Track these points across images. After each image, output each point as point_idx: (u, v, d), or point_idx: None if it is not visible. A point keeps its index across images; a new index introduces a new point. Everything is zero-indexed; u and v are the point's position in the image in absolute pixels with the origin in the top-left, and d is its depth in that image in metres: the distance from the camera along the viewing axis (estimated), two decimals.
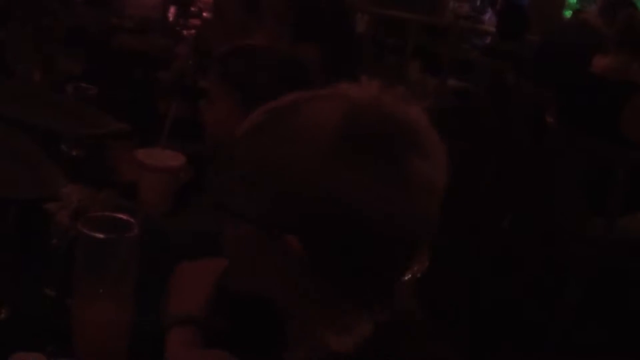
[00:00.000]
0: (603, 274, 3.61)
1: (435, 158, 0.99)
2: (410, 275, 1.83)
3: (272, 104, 1.03)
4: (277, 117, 1.01)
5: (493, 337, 3.39)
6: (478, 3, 10.54)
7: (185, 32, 3.53)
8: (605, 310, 3.61)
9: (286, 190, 0.96)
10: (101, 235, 1.25)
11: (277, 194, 0.97)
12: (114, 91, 2.70)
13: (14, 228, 1.63)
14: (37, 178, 1.59)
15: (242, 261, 1.07)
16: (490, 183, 4.79)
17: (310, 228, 0.96)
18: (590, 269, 3.56)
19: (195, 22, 3.74)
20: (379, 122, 0.96)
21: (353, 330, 0.99)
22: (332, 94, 1.01)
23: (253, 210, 1.00)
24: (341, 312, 1.00)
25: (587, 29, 4.46)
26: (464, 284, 3.80)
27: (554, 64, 4.36)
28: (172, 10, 4.24)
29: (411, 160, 0.96)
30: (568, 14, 6.75)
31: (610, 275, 3.63)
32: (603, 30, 4.45)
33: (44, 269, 1.55)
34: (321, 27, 3.08)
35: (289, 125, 0.99)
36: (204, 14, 4.30)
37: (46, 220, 1.69)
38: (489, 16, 7.92)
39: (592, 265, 3.55)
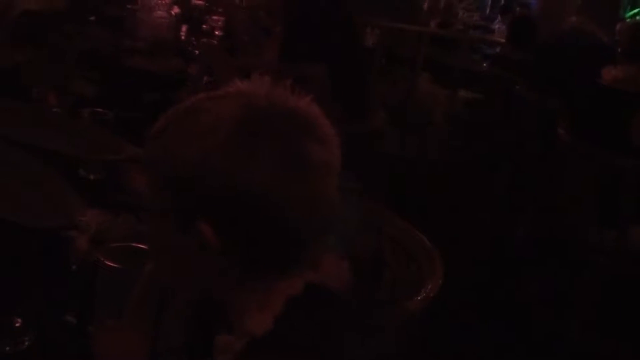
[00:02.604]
0: (615, 283, 3.63)
1: (328, 142, 1.08)
2: (424, 295, 1.87)
3: (177, 106, 1.11)
4: (181, 116, 1.09)
5: (505, 343, 3.41)
6: (487, 12, 10.59)
7: (197, 51, 3.57)
8: (617, 319, 3.62)
9: (195, 182, 1.04)
10: (120, 266, 1.29)
11: (186, 187, 1.04)
12: (127, 114, 2.74)
13: (36, 255, 1.67)
14: (57, 207, 1.62)
15: (164, 257, 1.16)
16: (502, 192, 4.82)
17: (220, 214, 1.04)
18: (602, 278, 3.58)
19: (207, 41, 3.78)
20: (273, 112, 1.06)
21: (269, 309, 1.07)
22: (229, 92, 1.10)
23: (167, 205, 1.08)
24: (256, 293, 1.08)
25: (585, 36, 4.47)
26: (476, 290, 3.82)
27: (557, 74, 4.38)
28: (184, 29, 4.29)
29: (305, 144, 1.05)
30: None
31: (622, 284, 3.64)
32: (600, 37, 4.48)
33: (65, 296, 1.59)
34: (328, 46, 3.09)
35: (192, 122, 1.07)
36: (216, 32, 4.35)
37: (67, 246, 1.73)
38: (498, 25, 7.96)
39: (604, 274, 3.57)
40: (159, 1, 4.11)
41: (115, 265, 1.29)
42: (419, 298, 1.80)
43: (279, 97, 1.08)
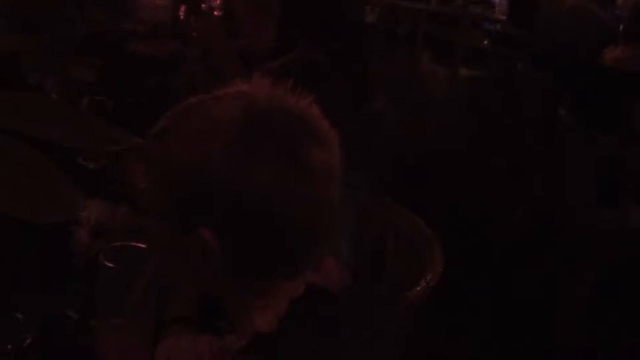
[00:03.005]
0: (615, 264, 3.63)
1: (329, 145, 1.07)
2: (424, 284, 1.88)
3: (178, 107, 1.10)
4: (182, 118, 1.09)
5: (508, 329, 3.41)
6: None
7: (195, 34, 3.53)
8: (618, 302, 3.63)
9: (195, 185, 1.03)
10: (120, 266, 1.29)
11: (187, 190, 1.04)
12: (126, 100, 2.74)
13: (36, 249, 1.68)
14: (56, 200, 1.62)
15: (163, 257, 1.17)
16: (502, 173, 4.80)
17: (221, 218, 1.03)
18: (601, 258, 3.58)
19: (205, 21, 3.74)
20: (274, 114, 1.05)
21: (272, 309, 1.08)
22: (229, 93, 1.09)
23: (167, 207, 1.07)
24: (259, 293, 1.08)
25: (586, 15, 4.44)
26: (476, 275, 3.82)
27: (560, 54, 4.35)
28: (182, 9, 4.25)
29: (306, 146, 1.04)
30: None
31: (621, 264, 3.65)
32: (602, 16, 4.44)
33: (66, 291, 1.59)
34: (327, 28, 3.05)
35: (193, 124, 1.06)
36: (215, 13, 4.32)
37: (67, 239, 1.74)
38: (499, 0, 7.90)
39: (603, 254, 3.57)
40: None
41: (115, 266, 1.29)
42: (419, 288, 1.80)
43: (279, 99, 1.07)
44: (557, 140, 3.88)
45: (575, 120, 3.69)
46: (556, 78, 4.18)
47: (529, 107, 4.43)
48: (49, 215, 1.64)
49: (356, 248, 2.08)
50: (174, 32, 3.50)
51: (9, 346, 1.42)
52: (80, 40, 3.13)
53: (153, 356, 1.32)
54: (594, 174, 3.60)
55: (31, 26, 3.28)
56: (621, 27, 3.97)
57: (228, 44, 3.40)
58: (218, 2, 4.39)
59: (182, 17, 4.16)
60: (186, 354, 1.24)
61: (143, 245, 1.35)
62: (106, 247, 1.35)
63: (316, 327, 1.10)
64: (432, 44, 6.04)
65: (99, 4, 3.56)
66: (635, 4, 3.92)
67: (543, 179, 4.14)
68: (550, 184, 4.03)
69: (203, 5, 4.42)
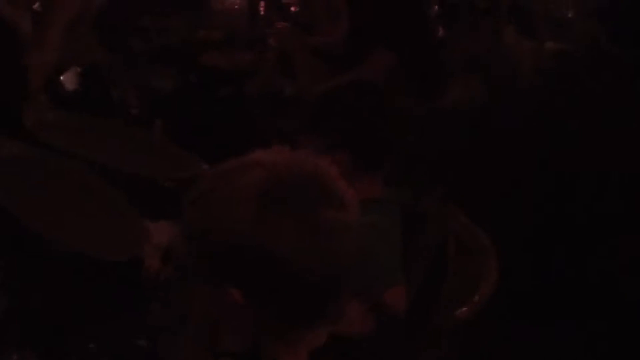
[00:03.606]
0: None
1: (345, 203, 1.16)
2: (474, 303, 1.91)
3: (211, 172, 1.22)
4: (212, 185, 1.18)
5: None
6: None
7: (270, 40, 3.57)
8: None
9: (224, 247, 1.13)
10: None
11: (217, 250, 1.15)
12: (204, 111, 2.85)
13: (107, 277, 1.80)
14: (123, 239, 1.74)
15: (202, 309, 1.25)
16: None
17: (246, 277, 1.14)
18: None
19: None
20: (293, 182, 1.14)
21: (294, 358, 1.18)
22: (252, 161, 1.18)
23: (200, 264, 1.18)
24: (282, 343, 1.18)
25: None
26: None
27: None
28: (262, 4, 4.32)
29: (324, 208, 1.13)
30: None
31: None
32: None
33: (137, 319, 1.72)
34: (395, 31, 3.06)
35: (221, 192, 1.16)
36: (292, 8, 4.38)
37: (138, 268, 1.86)
38: None
39: None
40: None
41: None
42: (467, 308, 1.85)
43: (297, 164, 1.17)
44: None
45: None
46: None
47: (611, 84, 4.32)
48: (114, 254, 1.78)
49: (413, 256, 2.14)
50: (250, 37, 3.58)
51: None
52: (156, 51, 3.26)
53: None
54: None
55: (110, 40, 3.43)
56: None
57: (304, 46, 3.44)
58: None
59: (262, 11, 4.24)
60: None
61: None
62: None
63: None
64: (516, 17, 5.91)
65: (175, 13, 3.69)
66: None
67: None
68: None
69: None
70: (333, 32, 3.90)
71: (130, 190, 1.89)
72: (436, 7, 5.24)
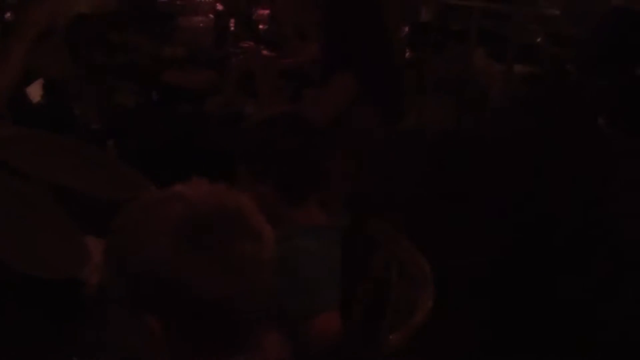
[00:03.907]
0: None
1: (260, 237, 1.22)
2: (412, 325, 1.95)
3: (133, 204, 1.26)
4: (134, 216, 1.24)
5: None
6: None
7: (234, 59, 3.61)
8: None
9: (142, 278, 1.19)
10: None
11: (136, 281, 1.20)
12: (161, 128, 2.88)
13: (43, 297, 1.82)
14: (65, 257, 1.77)
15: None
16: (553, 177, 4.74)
17: (163, 307, 1.18)
18: None
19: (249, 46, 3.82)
20: (208, 217, 1.19)
21: None
22: (172, 195, 1.23)
23: (121, 293, 1.22)
24: None
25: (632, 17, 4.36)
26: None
27: (608, 55, 4.30)
28: (232, 21, 4.34)
29: (238, 243, 1.18)
30: None
31: None
32: None
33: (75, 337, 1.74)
34: (359, 54, 3.07)
35: (141, 224, 1.21)
36: (260, 27, 4.42)
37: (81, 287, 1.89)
38: None
39: None
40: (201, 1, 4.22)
41: None
42: (402, 334, 1.89)
43: (216, 198, 1.22)
44: (597, 149, 3.85)
45: (614, 130, 3.66)
46: (604, 82, 4.15)
47: (571, 110, 4.39)
48: (55, 272, 1.80)
49: (356, 281, 2.18)
50: (213, 56, 3.61)
51: None
52: (120, 66, 3.29)
53: None
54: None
55: (75, 54, 3.45)
56: None
57: (270, 67, 3.45)
58: (266, 15, 4.51)
59: (232, 28, 4.27)
60: None
61: None
62: None
63: None
64: (486, 41, 6.00)
65: (142, 29, 3.72)
66: None
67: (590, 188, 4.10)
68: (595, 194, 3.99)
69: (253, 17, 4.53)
70: (301, 53, 3.93)
71: (72, 207, 1.92)
72: (406, 28, 5.32)
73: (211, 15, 3.96)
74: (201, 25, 3.71)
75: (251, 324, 1.22)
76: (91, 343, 1.55)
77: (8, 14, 3.47)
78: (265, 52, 3.93)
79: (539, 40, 5.87)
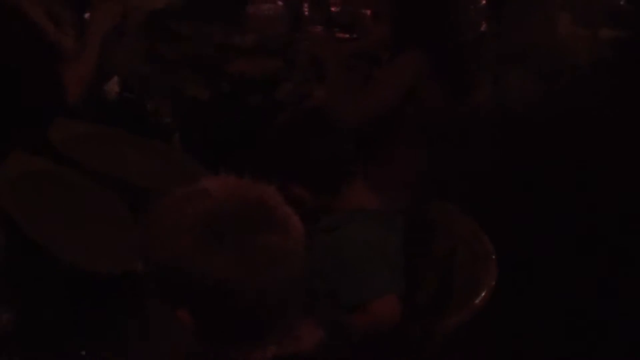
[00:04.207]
0: None
1: (288, 230, 1.22)
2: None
3: (163, 200, 1.27)
4: (161, 214, 1.25)
5: None
6: None
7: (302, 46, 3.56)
8: None
9: (171, 274, 1.21)
10: None
11: (165, 277, 1.23)
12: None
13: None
14: (127, 251, 1.82)
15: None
16: None
17: (193, 301, 1.21)
18: None
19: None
20: (231, 211, 1.20)
21: None
22: (196, 192, 1.24)
23: (154, 287, 1.26)
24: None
25: None
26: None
27: None
28: (306, 6, 4.32)
29: (264, 234, 1.19)
30: None
31: None
32: None
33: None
34: (424, 30, 3.02)
35: (168, 221, 1.23)
36: (332, 9, 4.39)
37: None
38: None
39: None
40: None
41: None
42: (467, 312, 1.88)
43: (240, 192, 1.23)
44: None
45: None
46: None
47: None
48: (116, 266, 1.86)
49: (423, 264, 2.17)
50: (282, 43, 3.59)
51: None
52: (190, 59, 3.34)
53: None
54: None
55: (149, 49, 3.52)
56: None
57: (339, 50, 3.43)
58: None
59: (306, 12, 4.25)
60: None
61: None
62: None
63: None
64: (571, 4, 5.80)
65: (212, 19, 3.75)
66: None
67: None
68: None
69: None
70: (374, 34, 3.89)
71: (132, 200, 1.98)
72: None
73: (280, 2, 3.95)
74: (270, 12, 3.71)
75: (283, 313, 1.23)
76: (133, 334, 1.59)
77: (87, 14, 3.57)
78: (338, 34, 3.93)
79: (621, 2, 5.64)
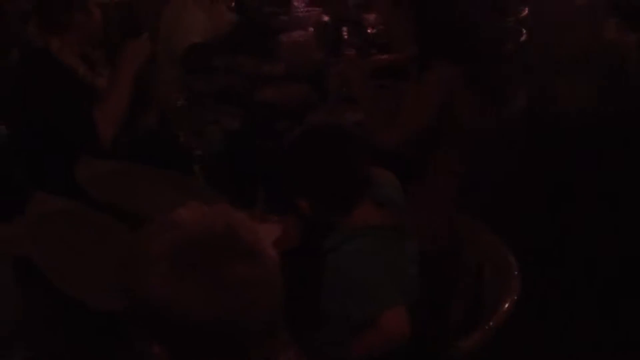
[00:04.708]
0: None
1: (257, 257, 1.19)
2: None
3: (136, 233, 1.27)
4: (133, 246, 1.25)
5: None
6: None
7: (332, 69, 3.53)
8: None
9: (143, 308, 1.20)
10: None
11: (138, 311, 1.21)
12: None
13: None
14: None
15: None
16: None
17: (164, 333, 1.19)
18: None
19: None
20: (198, 241, 1.18)
21: None
22: (165, 223, 1.23)
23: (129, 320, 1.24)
24: None
25: None
26: None
27: None
28: (345, 30, 4.31)
29: (228, 265, 1.16)
30: None
31: None
32: None
33: None
34: (455, 43, 2.98)
35: (137, 255, 1.22)
36: (369, 30, 4.37)
37: None
38: None
39: None
40: (306, 14, 4.24)
41: None
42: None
43: (208, 222, 1.21)
44: None
45: None
46: None
47: None
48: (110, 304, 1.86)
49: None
50: (311, 70, 3.58)
51: None
52: (221, 90, 3.37)
53: None
54: None
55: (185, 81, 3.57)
56: None
57: (363, 68, 3.41)
58: (372, 20, 4.45)
59: (345, 36, 4.24)
60: None
61: None
62: None
63: None
64: (619, 9, 5.68)
65: (243, 49, 3.78)
66: None
67: None
68: None
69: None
70: (404, 49, 3.86)
71: None
72: (525, 10, 5.11)
73: (311, 29, 3.96)
74: (301, 39, 3.72)
75: (260, 341, 1.21)
76: None
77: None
78: (375, 56, 3.91)
79: None
